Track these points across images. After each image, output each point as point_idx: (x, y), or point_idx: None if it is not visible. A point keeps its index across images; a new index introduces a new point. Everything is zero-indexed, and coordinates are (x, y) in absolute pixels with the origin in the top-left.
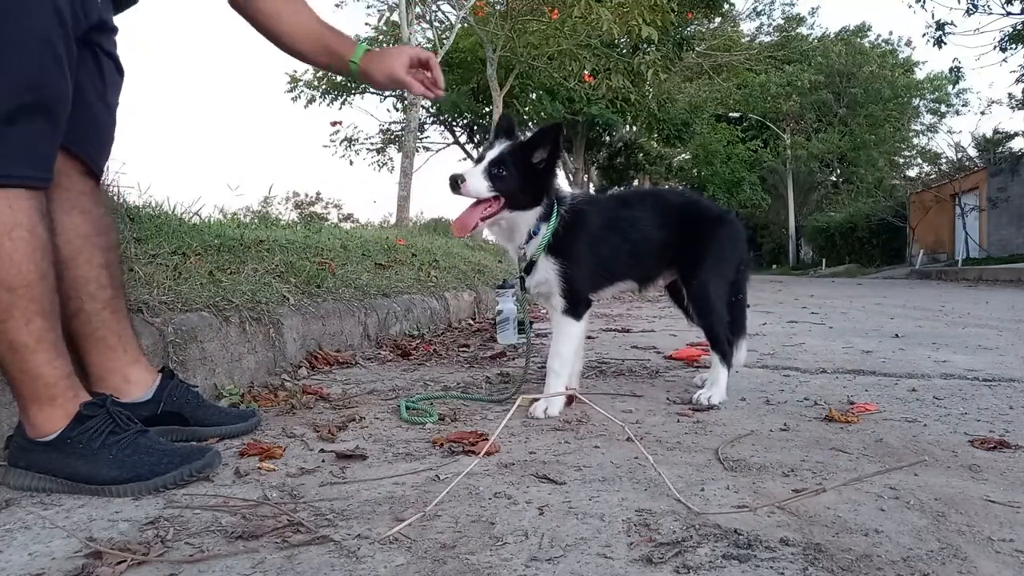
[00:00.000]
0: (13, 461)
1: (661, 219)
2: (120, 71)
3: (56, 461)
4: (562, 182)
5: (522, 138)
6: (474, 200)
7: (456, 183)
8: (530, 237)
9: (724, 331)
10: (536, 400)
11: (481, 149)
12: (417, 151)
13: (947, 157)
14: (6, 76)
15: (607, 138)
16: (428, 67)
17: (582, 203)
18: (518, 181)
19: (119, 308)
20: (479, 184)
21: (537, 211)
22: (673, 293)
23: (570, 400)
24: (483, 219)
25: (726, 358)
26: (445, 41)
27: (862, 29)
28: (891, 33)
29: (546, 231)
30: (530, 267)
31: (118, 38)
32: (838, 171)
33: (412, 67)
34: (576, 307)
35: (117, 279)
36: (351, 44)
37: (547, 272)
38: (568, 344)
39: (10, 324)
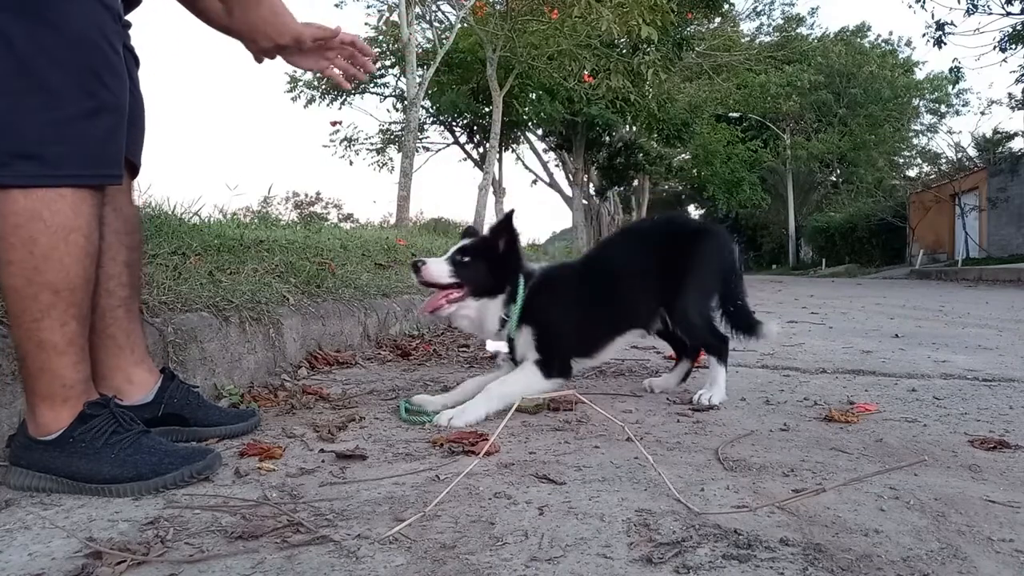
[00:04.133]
0: (15, 460)
1: (638, 252)
2: (137, 63)
3: (58, 460)
4: (528, 260)
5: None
6: (440, 285)
7: (417, 267)
8: (503, 324)
9: (713, 335)
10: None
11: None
12: (417, 151)
13: (947, 157)
14: (82, 74)
15: (607, 138)
16: (351, 44)
17: (549, 272)
18: (480, 268)
19: (133, 308)
20: (440, 269)
21: (502, 298)
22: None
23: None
24: (449, 302)
25: (722, 357)
26: (445, 41)
27: (862, 29)
28: (891, 33)
29: (515, 309)
30: (512, 347)
31: None
32: (838, 171)
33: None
34: (549, 366)
35: (136, 279)
36: None
37: (526, 340)
38: (522, 389)
39: (45, 323)
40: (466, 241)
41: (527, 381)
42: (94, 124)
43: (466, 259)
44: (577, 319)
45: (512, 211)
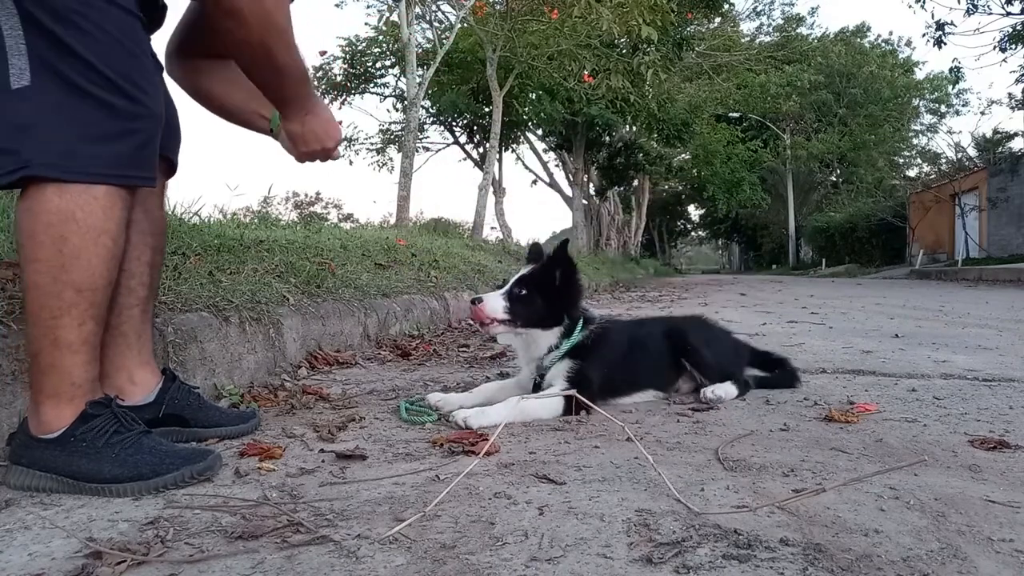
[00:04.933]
0: (15, 458)
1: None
2: (160, 69)
3: (59, 459)
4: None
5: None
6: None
7: (475, 304)
8: (550, 351)
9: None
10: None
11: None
12: (417, 151)
13: (947, 157)
14: (119, 80)
15: (607, 138)
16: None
17: (609, 324)
18: (536, 303)
19: (148, 309)
20: (495, 307)
21: (557, 330)
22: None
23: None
24: (499, 322)
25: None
26: (445, 41)
27: (862, 29)
28: (891, 33)
29: (567, 344)
30: (542, 377)
31: None
32: (838, 171)
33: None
34: (570, 398)
35: (156, 281)
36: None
37: (559, 371)
38: (542, 413)
39: (64, 321)
40: (525, 271)
41: (549, 407)
42: (130, 128)
43: (523, 292)
44: (613, 369)
45: (566, 240)
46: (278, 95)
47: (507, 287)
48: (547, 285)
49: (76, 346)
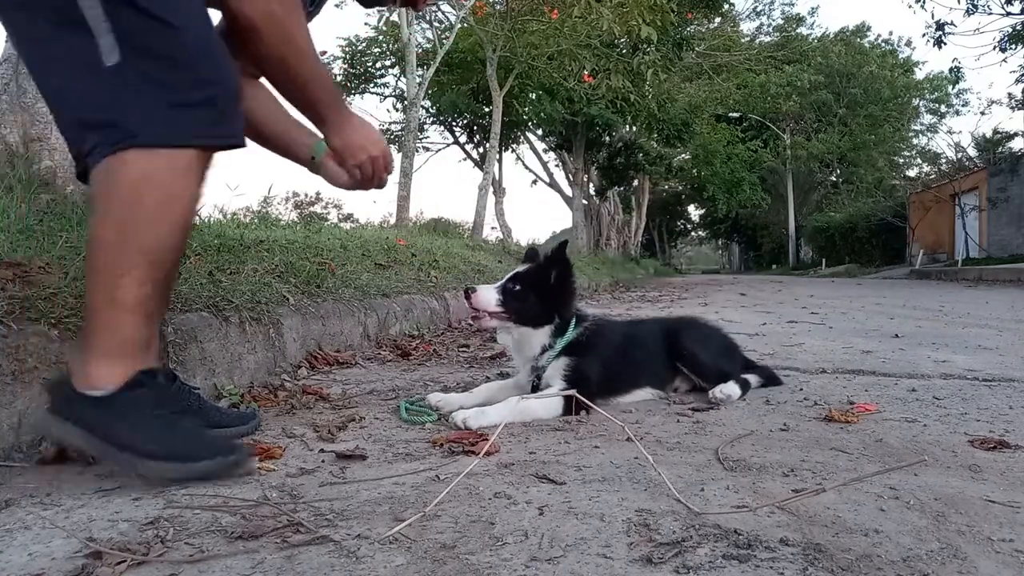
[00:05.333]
0: (55, 409)
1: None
2: None
3: (100, 419)
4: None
5: (535, 258)
6: (489, 313)
7: (467, 294)
8: (544, 351)
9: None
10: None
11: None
12: (417, 151)
13: (947, 157)
14: (200, 52)
15: (607, 138)
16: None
17: (603, 321)
18: (530, 299)
19: (166, 298)
20: (488, 298)
21: (548, 329)
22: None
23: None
24: (492, 315)
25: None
26: (445, 41)
27: (862, 29)
28: (891, 33)
29: (560, 343)
30: (539, 377)
31: None
32: (838, 171)
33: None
34: (569, 398)
35: (170, 285)
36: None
37: (556, 370)
38: (542, 413)
39: (125, 281)
40: (520, 268)
41: (549, 407)
42: (213, 94)
43: (517, 288)
44: (610, 367)
45: (565, 242)
46: (310, 106)
47: (502, 282)
48: (542, 283)
49: (131, 307)
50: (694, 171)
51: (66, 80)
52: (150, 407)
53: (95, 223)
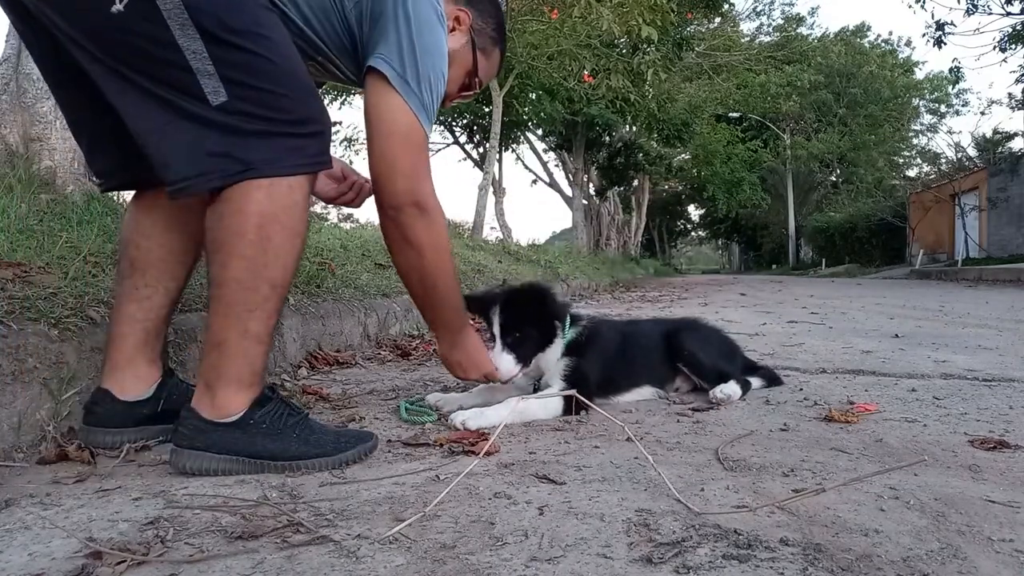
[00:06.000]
0: (188, 443)
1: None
2: None
3: (240, 441)
4: (578, 309)
5: (504, 299)
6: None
7: (495, 378)
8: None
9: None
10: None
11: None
12: None
13: (947, 157)
14: (301, 88)
15: (607, 138)
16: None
17: (600, 321)
18: (531, 334)
19: (173, 310)
20: (509, 365)
21: (558, 342)
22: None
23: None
24: (518, 374)
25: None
26: None
27: (862, 29)
28: (891, 33)
29: (559, 343)
30: (538, 380)
31: None
32: (838, 171)
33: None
34: (569, 398)
35: (184, 285)
36: None
37: (557, 370)
38: (541, 414)
39: (257, 314)
40: (499, 319)
41: (548, 407)
42: (314, 128)
43: (516, 335)
44: (609, 366)
45: (537, 288)
46: (434, 317)
47: (499, 343)
48: (529, 316)
49: (264, 338)
50: (694, 171)
51: (170, 120)
52: (283, 417)
53: (223, 262)
